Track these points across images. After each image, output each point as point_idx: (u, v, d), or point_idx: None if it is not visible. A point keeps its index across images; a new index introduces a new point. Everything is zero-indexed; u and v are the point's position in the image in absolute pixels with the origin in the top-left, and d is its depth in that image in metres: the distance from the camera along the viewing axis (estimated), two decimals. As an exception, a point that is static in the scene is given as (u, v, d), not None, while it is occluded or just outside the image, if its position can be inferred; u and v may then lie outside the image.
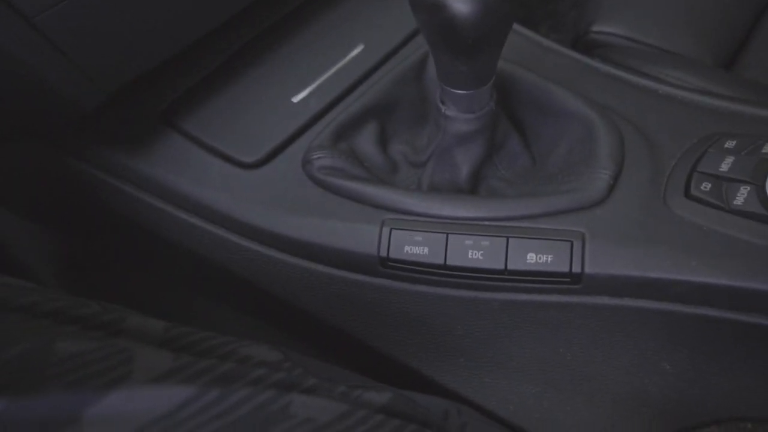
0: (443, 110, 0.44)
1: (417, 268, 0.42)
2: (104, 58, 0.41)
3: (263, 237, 0.45)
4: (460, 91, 0.42)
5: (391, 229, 0.42)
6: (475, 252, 0.41)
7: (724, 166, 0.39)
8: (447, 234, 0.41)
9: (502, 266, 0.40)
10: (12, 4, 0.35)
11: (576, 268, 0.39)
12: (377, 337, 0.46)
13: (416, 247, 0.41)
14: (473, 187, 0.47)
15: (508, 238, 0.40)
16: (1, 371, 0.20)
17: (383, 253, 0.42)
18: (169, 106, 0.48)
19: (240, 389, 0.23)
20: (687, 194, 0.39)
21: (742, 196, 0.37)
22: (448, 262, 0.41)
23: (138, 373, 0.21)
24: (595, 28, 0.62)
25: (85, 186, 0.49)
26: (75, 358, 0.21)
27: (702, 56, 0.61)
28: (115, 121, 0.47)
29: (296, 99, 0.49)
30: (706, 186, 0.38)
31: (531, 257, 0.40)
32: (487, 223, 0.41)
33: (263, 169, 0.46)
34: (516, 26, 0.53)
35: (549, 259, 0.39)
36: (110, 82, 0.42)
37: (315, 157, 0.45)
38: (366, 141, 0.49)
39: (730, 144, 0.40)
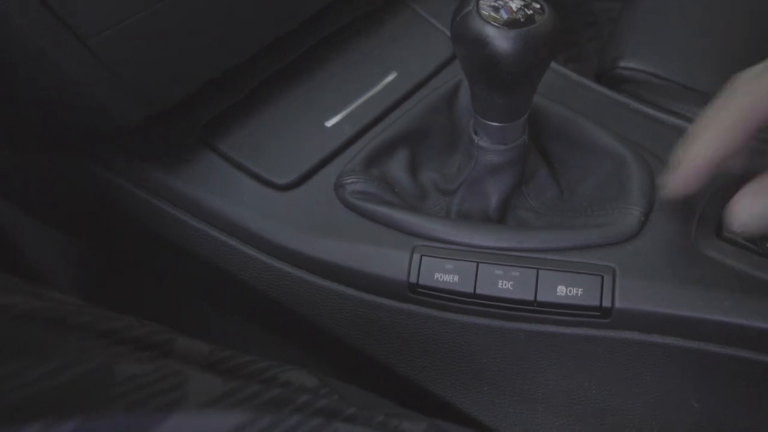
0: (476, 141, 0.45)
1: (446, 295, 0.42)
2: (152, 80, 0.42)
3: (293, 258, 0.45)
4: (494, 123, 0.43)
5: (421, 256, 0.42)
6: (505, 282, 0.41)
7: (756, 208, 0.39)
8: (477, 263, 0.42)
9: (531, 297, 0.40)
10: (69, 25, 0.36)
11: (606, 303, 0.39)
12: (402, 362, 0.47)
13: (446, 275, 0.42)
14: (502, 216, 0.48)
15: (538, 269, 0.41)
16: (68, 390, 0.20)
17: (413, 280, 0.42)
18: (205, 126, 0.49)
19: (290, 415, 0.23)
20: (718, 234, 0.40)
21: (774, 238, 0.37)
22: (477, 291, 0.41)
23: (192, 396, 0.22)
24: (622, 63, 0.63)
25: (118, 199, 0.50)
26: (134, 380, 0.21)
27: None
28: (152, 137, 0.48)
29: (330, 123, 0.50)
30: (738, 227, 0.39)
31: (561, 290, 0.40)
32: (517, 254, 0.42)
33: (296, 191, 0.47)
34: None
35: (579, 292, 0.40)
36: (156, 101, 0.43)
37: (348, 181, 0.46)
38: (397, 167, 0.49)
39: (761, 186, 0.40)
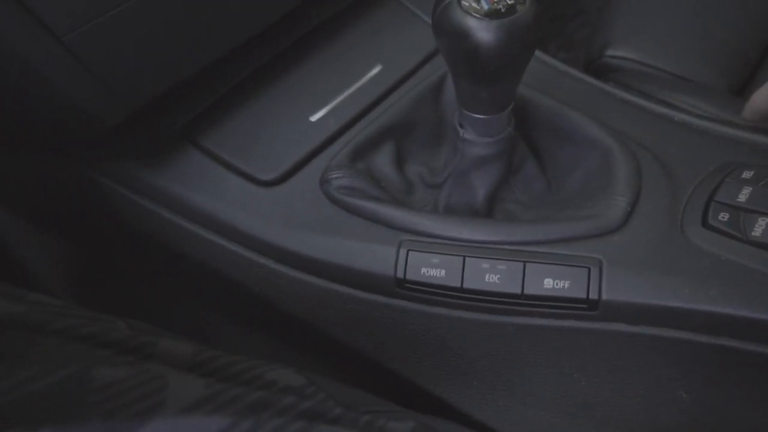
0: (461, 133, 0.44)
1: (433, 290, 0.42)
2: (129, 76, 0.41)
3: (279, 254, 0.45)
4: (479, 116, 0.42)
5: (408, 251, 0.42)
6: (492, 276, 0.41)
7: (742, 197, 0.39)
8: (464, 257, 0.41)
9: (518, 290, 0.40)
10: (44, 23, 0.35)
11: (593, 295, 0.39)
12: (392, 357, 0.47)
13: (433, 269, 0.42)
14: (489, 209, 0.48)
15: (525, 262, 0.40)
16: (42, 398, 0.20)
17: (400, 275, 0.42)
18: (188, 123, 0.48)
19: (271, 419, 0.23)
20: (704, 224, 0.39)
21: (760, 227, 0.37)
22: (464, 285, 0.41)
23: (171, 401, 0.21)
24: (609, 52, 0.62)
25: (103, 199, 0.50)
26: (112, 386, 0.21)
27: (716, 82, 0.62)
28: (134, 135, 0.47)
29: (314, 118, 0.50)
30: (724, 216, 0.39)
31: (548, 282, 0.40)
32: (504, 247, 0.41)
33: (281, 187, 0.47)
34: None
35: (566, 284, 0.39)
36: (134, 98, 0.42)
37: (333, 176, 0.46)
38: (383, 161, 0.49)
39: (747, 174, 0.40)
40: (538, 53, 0.54)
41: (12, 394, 0.20)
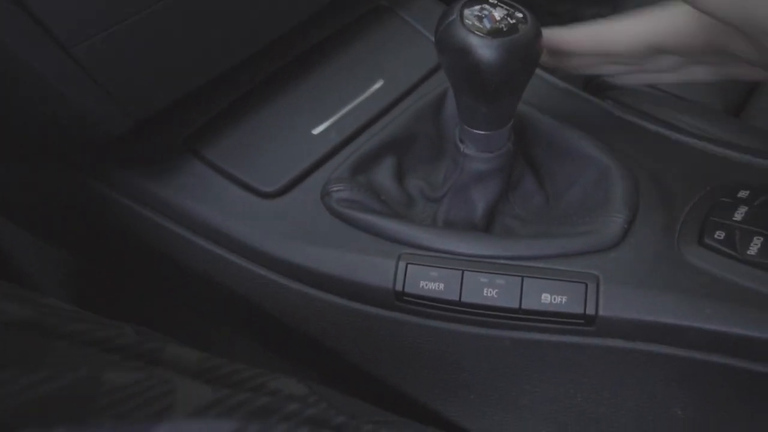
0: (462, 148, 0.45)
1: (432, 303, 0.42)
2: (136, 88, 0.42)
3: (280, 266, 0.45)
4: (479, 131, 0.43)
5: (407, 264, 0.42)
6: (490, 290, 0.41)
7: (738, 216, 0.39)
8: (462, 271, 0.42)
9: (516, 305, 0.41)
10: (53, 35, 0.36)
11: (590, 310, 0.39)
12: (390, 369, 0.47)
13: (432, 283, 0.42)
14: (488, 224, 0.48)
15: (523, 277, 0.41)
16: (56, 399, 0.20)
17: (399, 288, 0.42)
18: (191, 134, 0.49)
19: (278, 423, 0.23)
20: (700, 242, 0.40)
21: (755, 246, 0.38)
22: (462, 299, 0.41)
23: (180, 405, 0.22)
24: (608, 70, 0.63)
25: (106, 209, 0.50)
26: (122, 390, 0.21)
27: (712, 101, 0.63)
28: (138, 146, 0.48)
29: (316, 131, 0.50)
30: (720, 234, 0.39)
31: (545, 297, 0.40)
32: (502, 261, 0.42)
33: (282, 199, 0.47)
34: None
35: (563, 300, 0.40)
36: (140, 109, 0.43)
37: (334, 189, 0.46)
38: (383, 175, 0.49)
39: (743, 194, 0.41)
40: (538, 71, 0.55)
41: (26, 395, 0.20)
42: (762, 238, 0.38)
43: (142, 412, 0.21)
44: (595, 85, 0.65)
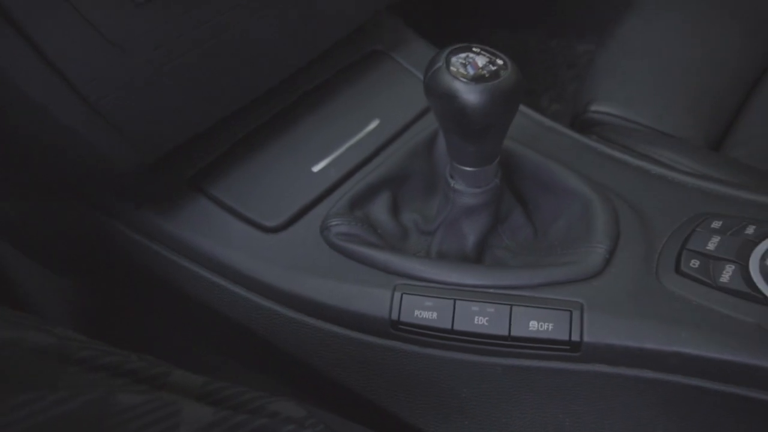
0: (452, 184, 0.47)
1: (426, 331, 0.44)
2: (151, 132, 0.45)
3: (281, 297, 0.48)
4: (467, 168, 0.46)
5: (402, 294, 0.45)
6: (480, 318, 0.43)
7: (711, 245, 0.42)
8: (455, 300, 0.44)
9: (506, 332, 0.43)
10: (79, 92, 0.39)
11: (575, 337, 0.41)
12: (386, 397, 0.48)
13: (426, 312, 0.44)
14: (479, 255, 0.50)
15: (511, 306, 0.43)
16: (71, 420, 0.22)
17: (394, 317, 0.44)
18: (198, 172, 0.52)
19: None
20: (677, 270, 0.42)
21: (727, 274, 0.40)
22: (455, 327, 0.44)
23: (185, 425, 0.24)
24: (593, 107, 0.67)
25: (115, 242, 0.53)
26: (132, 410, 0.23)
27: (694, 135, 0.65)
28: (147, 183, 0.51)
29: (316, 169, 0.53)
30: (695, 263, 0.41)
31: (533, 325, 0.42)
32: (492, 290, 0.44)
33: (283, 233, 0.50)
34: (520, 107, 0.57)
35: (550, 327, 0.42)
36: (153, 151, 0.46)
37: (333, 223, 0.49)
38: (380, 209, 0.52)
39: (716, 224, 0.43)
40: (525, 109, 0.58)
41: (44, 415, 0.22)
42: (733, 267, 0.40)
43: (150, 431, 0.23)
44: (581, 121, 0.68)
